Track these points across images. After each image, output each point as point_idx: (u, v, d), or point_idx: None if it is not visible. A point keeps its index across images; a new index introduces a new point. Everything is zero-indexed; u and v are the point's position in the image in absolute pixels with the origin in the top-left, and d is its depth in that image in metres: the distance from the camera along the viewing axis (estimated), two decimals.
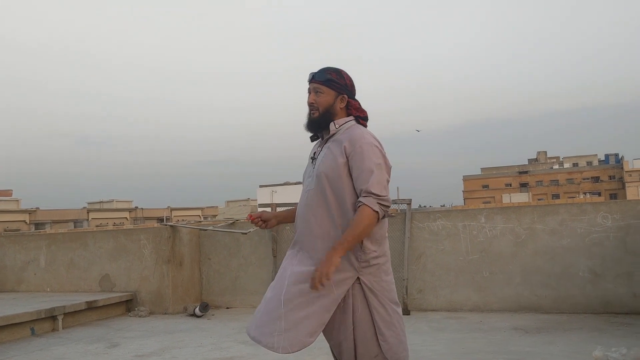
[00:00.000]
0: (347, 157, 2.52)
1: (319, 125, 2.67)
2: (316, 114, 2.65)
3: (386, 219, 2.60)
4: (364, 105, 2.75)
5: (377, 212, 2.43)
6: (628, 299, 6.49)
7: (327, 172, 2.55)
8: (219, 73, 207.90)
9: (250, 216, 2.81)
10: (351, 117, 2.69)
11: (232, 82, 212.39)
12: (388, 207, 2.49)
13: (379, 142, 2.60)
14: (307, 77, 2.70)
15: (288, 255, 2.71)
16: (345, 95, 2.66)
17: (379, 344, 2.50)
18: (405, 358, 2.59)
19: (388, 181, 2.55)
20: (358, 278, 2.51)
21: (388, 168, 2.57)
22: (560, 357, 4.69)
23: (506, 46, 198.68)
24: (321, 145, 2.72)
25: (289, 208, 2.97)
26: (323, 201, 2.56)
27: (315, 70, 2.71)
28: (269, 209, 8.34)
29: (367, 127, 2.72)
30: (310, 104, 2.65)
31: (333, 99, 2.64)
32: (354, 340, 2.51)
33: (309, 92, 2.67)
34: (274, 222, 2.83)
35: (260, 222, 2.82)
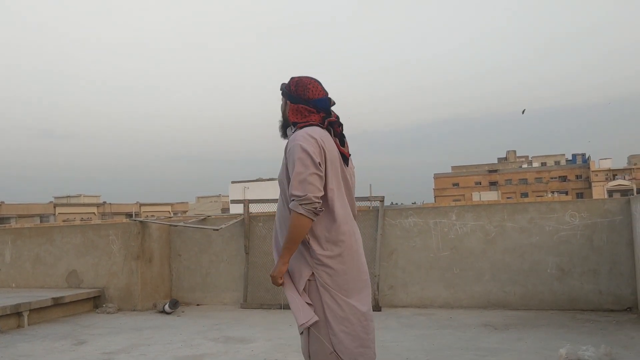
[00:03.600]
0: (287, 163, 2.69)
1: (282, 129, 2.86)
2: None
3: (340, 222, 2.63)
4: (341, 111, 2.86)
5: (301, 213, 2.53)
6: (594, 296, 6.62)
7: (280, 178, 2.75)
8: (190, 67, 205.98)
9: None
10: (304, 123, 2.75)
11: (204, 76, 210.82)
12: (312, 204, 2.51)
13: (308, 139, 2.59)
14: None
15: None
16: (288, 101, 2.81)
17: (331, 340, 2.59)
18: (362, 355, 2.62)
19: (317, 175, 2.55)
20: (313, 274, 2.63)
21: (313, 161, 2.55)
22: (528, 353, 4.76)
23: (476, 46, 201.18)
24: None
25: None
26: (282, 205, 2.74)
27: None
28: (241, 205, 8.29)
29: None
30: None
31: (284, 105, 2.85)
32: (308, 336, 2.63)
33: None
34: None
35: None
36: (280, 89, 2.85)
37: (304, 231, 2.56)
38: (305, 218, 2.53)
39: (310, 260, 2.62)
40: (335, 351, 2.58)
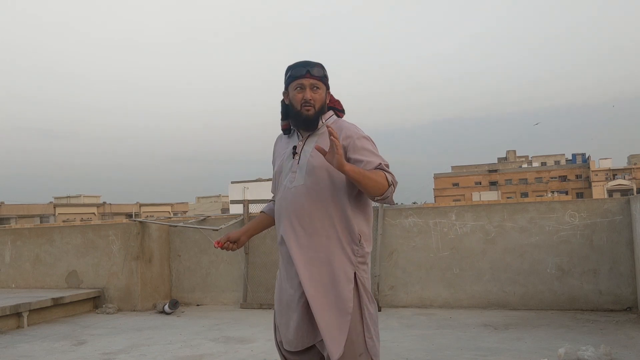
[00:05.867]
0: (345, 150, 2.43)
1: (313, 122, 2.52)
2: (312, 111, 2.49)
3: (371, 218, 2.60)
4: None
5: (389, 183, 2.37)
6: (594, 295, 6.62)
7: (327, 165, 2.41)
8: (190, 66, 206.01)
9: (217, 243, 2.64)
10: (331, 112, 2.62)
11: (204, 76, 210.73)
12: (394, 187, 2.42)
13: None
14: (290, 72, 2.55)
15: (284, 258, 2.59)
16: (327, 89, 2.59)
17: (366, 342, 2.42)
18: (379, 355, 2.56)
19: None
20: (355, 274, 2.44)
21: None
22: (528, 353, 4.76)
23: (476, 46, 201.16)
24: (303, 140, 2.58)
25: (254, 219, 2.86)
26: (318, 195, 2.46)
27: (293, 62, 2.59)
28: (241, 205, 8.28)
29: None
30: (308, 101, 2.48)
31: (325, 95, 2.55)
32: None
33: (303, 88, 2.49)
34: (244, 239, 2.72)
35: (229, 244, 2.68)
36: (322, 75, 2.53)
37: (376, 187, 2.33)
38: (385, 186, 2.35)
39: (354, 258, 2.44)
40: (370, 354, 2.41)
